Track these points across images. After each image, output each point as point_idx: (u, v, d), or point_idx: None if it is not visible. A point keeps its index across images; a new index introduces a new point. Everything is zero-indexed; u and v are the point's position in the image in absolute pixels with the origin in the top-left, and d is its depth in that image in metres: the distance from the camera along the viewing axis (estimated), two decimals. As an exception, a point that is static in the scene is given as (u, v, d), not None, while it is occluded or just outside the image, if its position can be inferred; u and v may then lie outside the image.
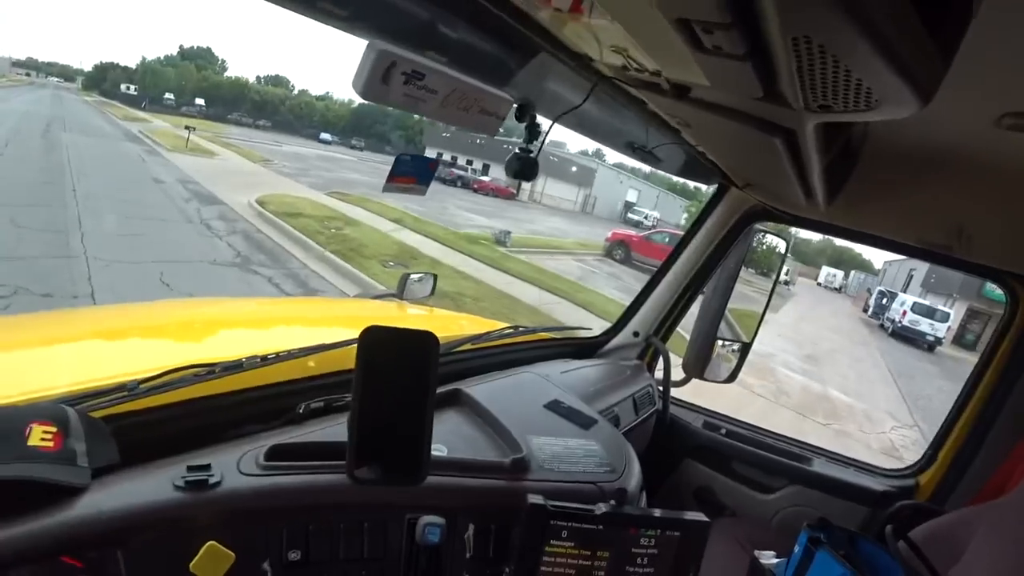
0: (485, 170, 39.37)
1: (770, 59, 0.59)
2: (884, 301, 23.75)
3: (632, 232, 21.91)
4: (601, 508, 0.89)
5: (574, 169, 39.62)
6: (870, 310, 25.52)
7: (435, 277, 2.04)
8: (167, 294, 6.19)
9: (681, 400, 2.31)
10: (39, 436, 0.73)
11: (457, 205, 23.07)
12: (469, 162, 40.62)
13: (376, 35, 0.81)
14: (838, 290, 37.91)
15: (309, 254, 9.08)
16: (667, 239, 18.68)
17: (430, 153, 12.36)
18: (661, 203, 44.81)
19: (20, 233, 7.17)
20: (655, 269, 2.28)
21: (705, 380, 2.14)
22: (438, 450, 1.04)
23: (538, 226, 23.03)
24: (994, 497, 1.51)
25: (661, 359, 2.23)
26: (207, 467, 0.84)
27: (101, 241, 7.52)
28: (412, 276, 1.97)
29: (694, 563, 0.92)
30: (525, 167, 1.15)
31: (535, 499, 0.88)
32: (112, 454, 0.81)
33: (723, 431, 2.22)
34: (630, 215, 38.26)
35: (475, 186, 33.70)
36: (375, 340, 0.76)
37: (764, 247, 3.39)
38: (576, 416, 1.37)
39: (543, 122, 1.17)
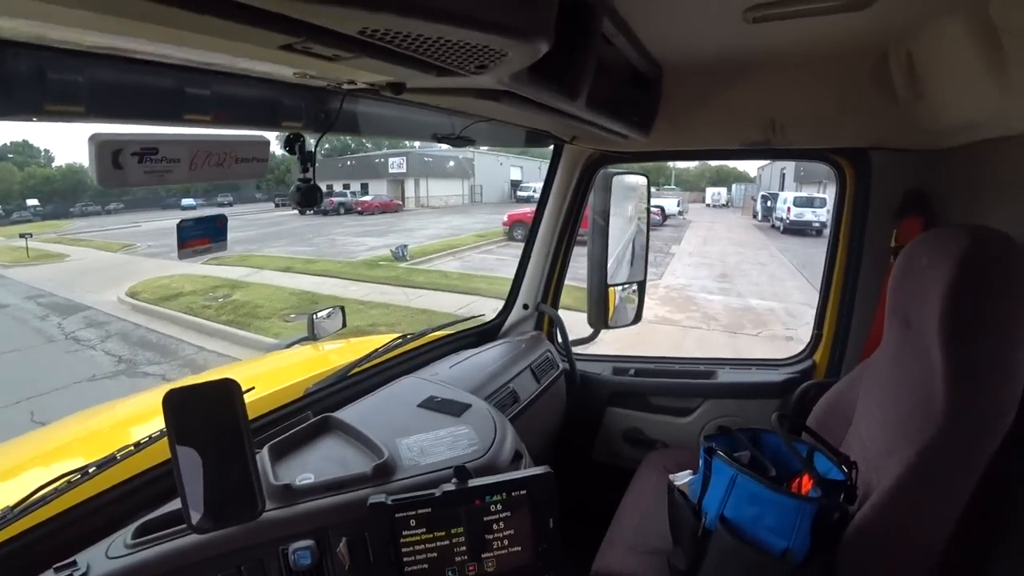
0: (365, 189, 38.00)
1: (385, 51, 0.67)
2: (768, 204, 25.30)
3: (527, 209, 21.93)
4: (441, 489, 0.92)
5: (451, 164, 39.04)
6: (759, 215, 27.04)
7: (343, 308, 2.03)
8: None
9: (589, 354, 2.34)
10: None
11: (345, 233, 22.12)
12: (346, 186, 38.76)
13: (119, 119, 0.82)
14: (725, 205, 40.11)
15: (202, 334, 8.26)
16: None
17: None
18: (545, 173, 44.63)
19: None
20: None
21: (612, 328, 2.13)
22: (305, 478, 1.06)
23: (434, 229, 22.55)
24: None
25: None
26: (72, 564, 0.84)
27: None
28: (319, 314, 1.96)
29: (550, 512, 0.95)
30: (307, 195, 1.16)
31: (375, 498, 0.91)
32: None
33: (632, 372, 2.26)
34: (519, 193, 38.29)
35: (359, 208, 32.38)
36: (178, 400, 0.78)
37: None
38: (448, 406, 1.40)
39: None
